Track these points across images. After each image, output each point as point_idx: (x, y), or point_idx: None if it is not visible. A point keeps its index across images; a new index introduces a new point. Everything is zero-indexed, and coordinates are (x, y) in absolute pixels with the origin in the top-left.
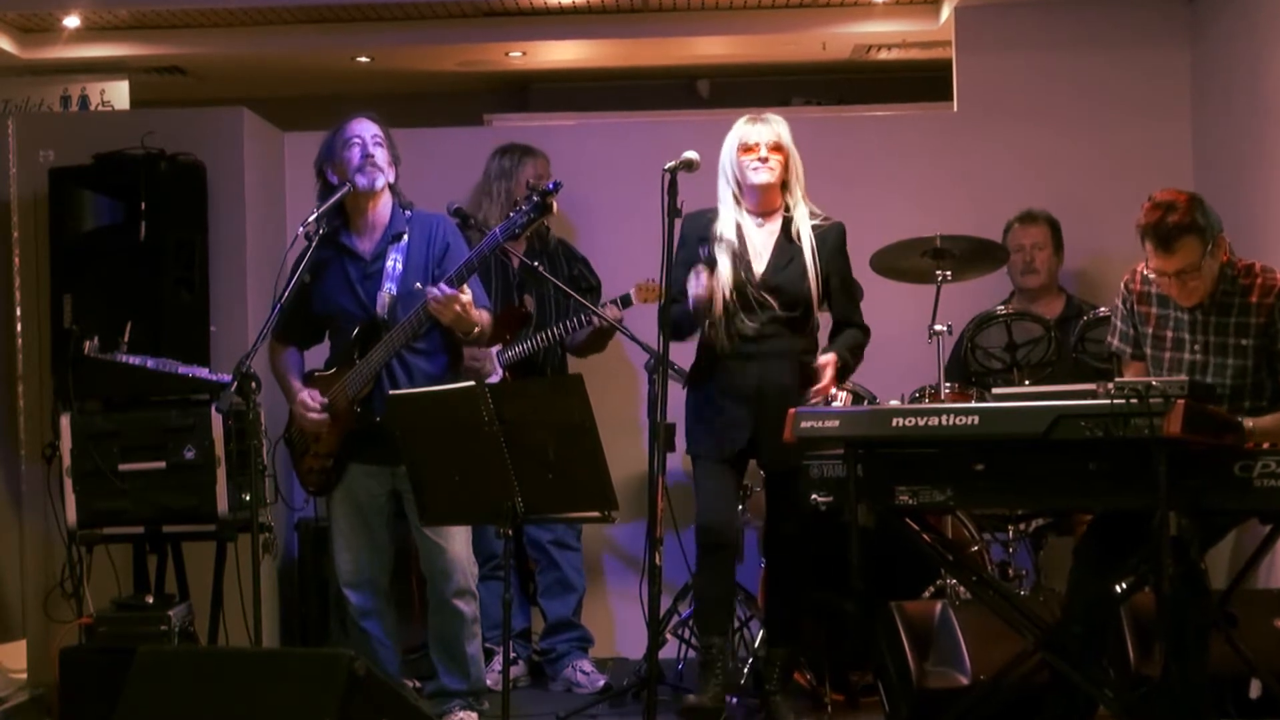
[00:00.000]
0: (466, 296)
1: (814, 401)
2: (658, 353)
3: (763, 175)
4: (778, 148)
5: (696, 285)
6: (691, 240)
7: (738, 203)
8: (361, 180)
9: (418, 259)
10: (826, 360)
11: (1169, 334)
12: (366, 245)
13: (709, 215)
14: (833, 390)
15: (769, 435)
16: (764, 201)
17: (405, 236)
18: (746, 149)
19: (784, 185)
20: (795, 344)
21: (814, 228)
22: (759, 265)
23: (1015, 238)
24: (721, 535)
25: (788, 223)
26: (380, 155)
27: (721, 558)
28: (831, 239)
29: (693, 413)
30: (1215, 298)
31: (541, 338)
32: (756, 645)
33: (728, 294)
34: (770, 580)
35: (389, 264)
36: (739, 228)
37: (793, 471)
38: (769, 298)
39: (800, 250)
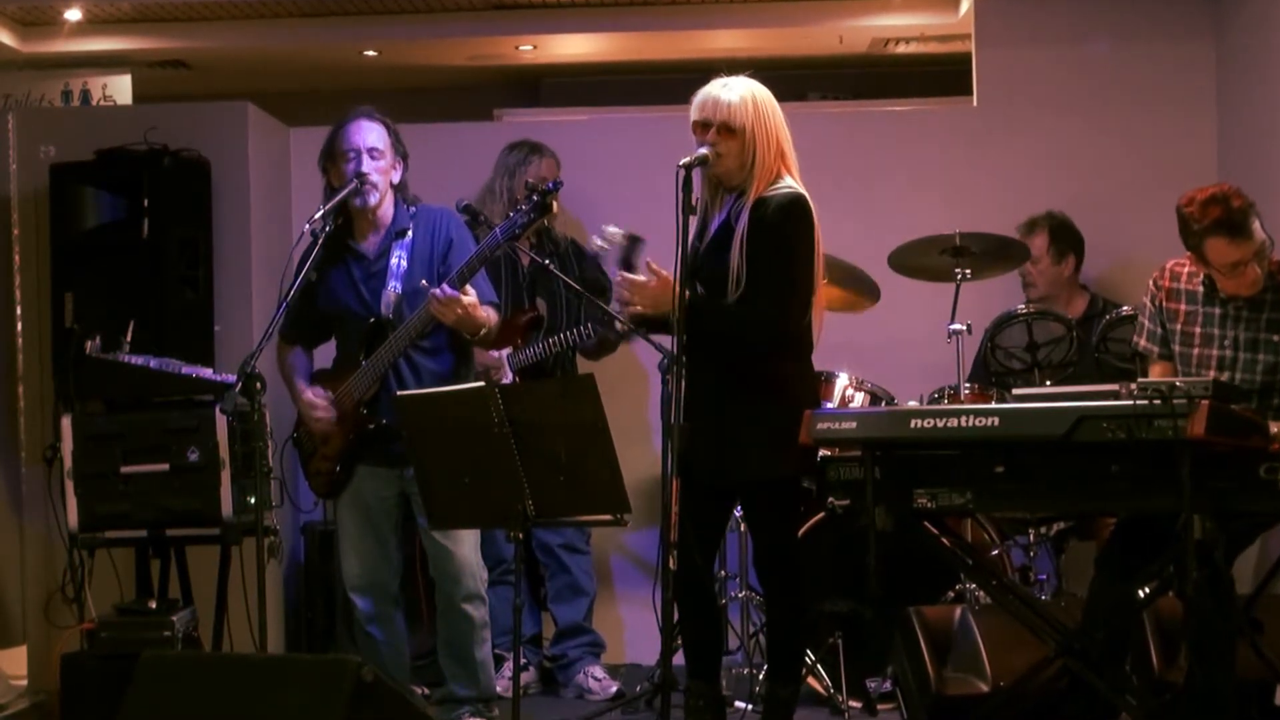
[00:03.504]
0: (469, 298)
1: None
2: (671, 353)
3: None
4: (729, 130)
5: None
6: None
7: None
8: (355, 201)
9: (422, 255)
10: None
11: (1198, 330)
12: (370, 244)
13: None
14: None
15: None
16: (718, 180)
17: (409, 233)
18: (695, 126)
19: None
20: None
21: (757, 202)
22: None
23: None
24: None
25: (737, 200)
26: (376, 169)
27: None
28: (768, 211)
29: None
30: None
31: (553, 342)
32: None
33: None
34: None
35: (393, 262)
36: (704, 206)
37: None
38: (701, 289)
39: (734, 231)
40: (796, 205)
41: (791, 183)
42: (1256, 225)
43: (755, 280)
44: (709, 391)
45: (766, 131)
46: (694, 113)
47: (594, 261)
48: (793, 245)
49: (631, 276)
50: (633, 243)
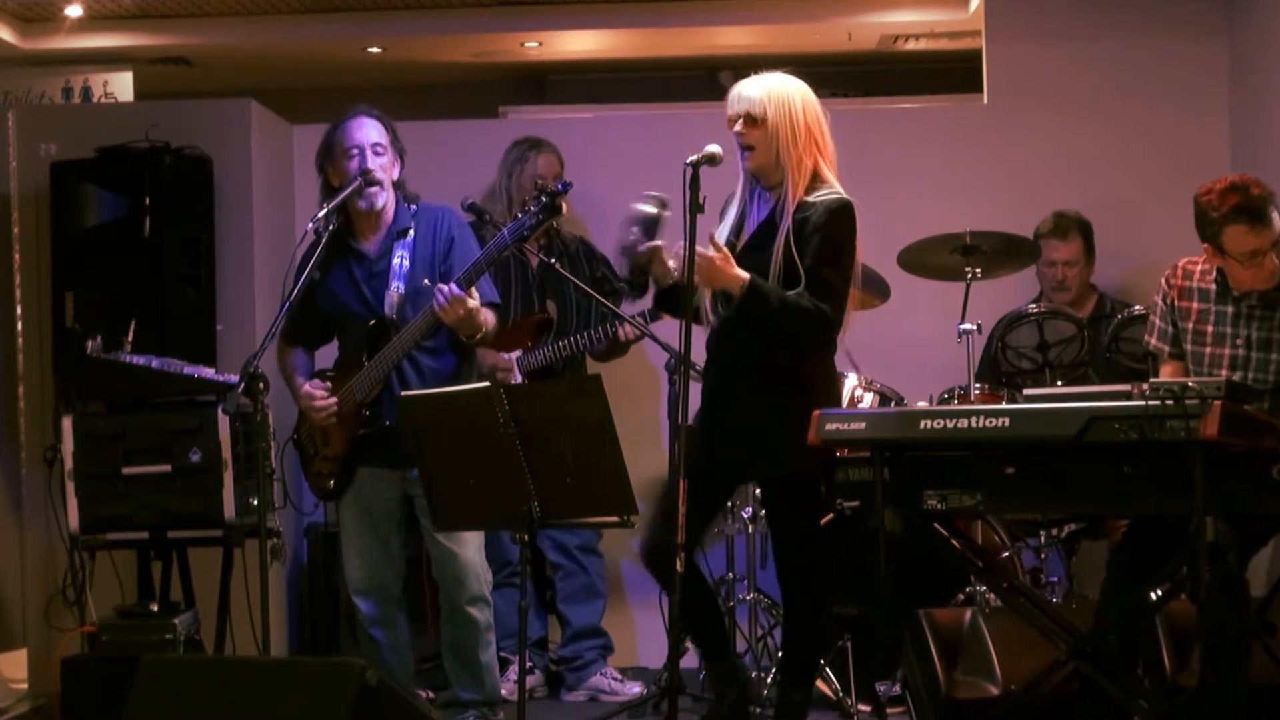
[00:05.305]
0: (474, 302)
1: (643, 246)
2: (679, 353)
3: (742, 158)
4: (753, 121)
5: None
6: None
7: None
8: (361, 204)
9: (424, 254)
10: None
11: (1210, 329)
12: (371, 244)
13: None
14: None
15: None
16: (758, 177)
17: (411, 232)
18: (728, 122)
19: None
20: (759, 345)
21: (801, 204)
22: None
23: (1047, 251)
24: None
25: (780, 199)
26: (380, 165)
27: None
28: (814, 217)
29: None
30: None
31: (563, 345)
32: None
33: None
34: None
35: (395, 261)
36: (743, 204)
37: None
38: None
39: (777, 232)
40: (845, 211)
41: (836, 186)
42: (1274, 215)
43: (809, 281)
44: (734, 385)
45: (791, 122)
46: (727, 109)
47: (604, 262)
48: (841, 250)
49: (702, 250)
50: (660, 206)
